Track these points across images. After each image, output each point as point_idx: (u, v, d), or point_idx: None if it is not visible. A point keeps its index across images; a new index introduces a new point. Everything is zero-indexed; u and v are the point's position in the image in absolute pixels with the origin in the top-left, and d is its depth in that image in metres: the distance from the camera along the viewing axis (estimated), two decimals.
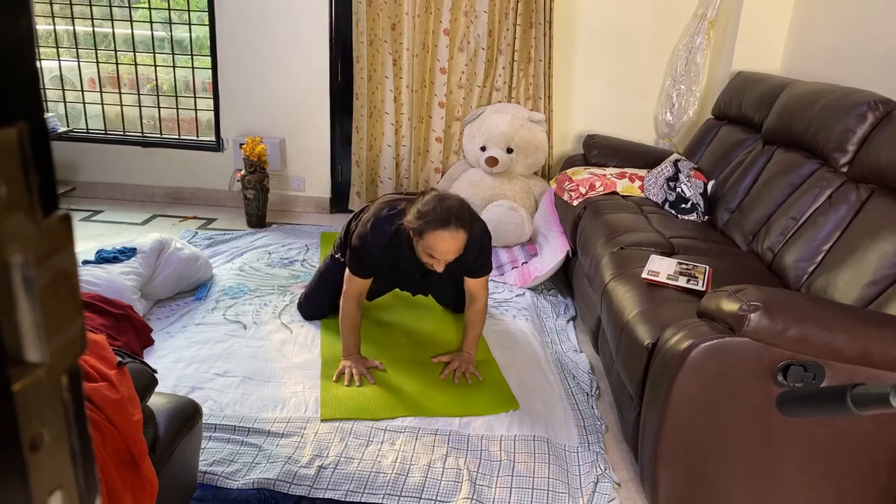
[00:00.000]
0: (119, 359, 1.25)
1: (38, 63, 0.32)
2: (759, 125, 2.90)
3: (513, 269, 3.25)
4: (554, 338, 2.70)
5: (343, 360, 2.29)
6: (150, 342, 2.42)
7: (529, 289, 3.11)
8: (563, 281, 3.23)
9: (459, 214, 1.99)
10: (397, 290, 2.81)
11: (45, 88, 4.19)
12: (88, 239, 3.46)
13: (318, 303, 2.64)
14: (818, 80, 2.81)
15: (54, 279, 0.31)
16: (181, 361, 2.31)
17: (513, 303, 2.95)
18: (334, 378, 2.25)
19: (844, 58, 2.87)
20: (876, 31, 2.66)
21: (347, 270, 2.21)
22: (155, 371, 1.43)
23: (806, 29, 3.27)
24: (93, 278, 2.45)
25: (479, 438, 2.01)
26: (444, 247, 1.98)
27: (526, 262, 3.29)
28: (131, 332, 2.31)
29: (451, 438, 2.00)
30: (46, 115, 3.84)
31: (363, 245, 2.15)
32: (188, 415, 1.47)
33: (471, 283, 2.28)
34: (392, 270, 2.32)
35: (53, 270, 0.31)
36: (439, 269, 2.06)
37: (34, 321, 0.30)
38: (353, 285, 2.22)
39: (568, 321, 2.86)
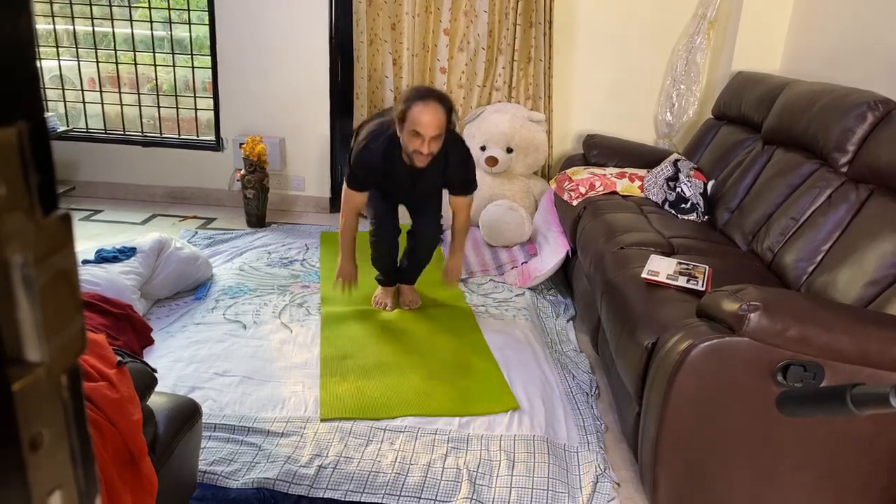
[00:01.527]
0: (119, 358, 1.25)
1: (38, 63, 0.32)
2: (759, 125, 2.90)
3: (513, 268, 3.25)
4: (554, 338, 2.70)
5: (340, 268, 2.65)
6: (150, 342, 2.42)
7: (529, 288, 3.11)
8: (563, 281, 3.23)
9: (438, 93, 2.29)
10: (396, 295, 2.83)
11: (44, 88, 4.19)
12: (88, 238, 3.46)
13: (386, 225, 2.70)
14: (818, 79, 2.81)
15: (54, 279, 0.31)
16: (181, 361, 2.31)
17: (513, 302, 2.95)
18: (331, 286, 2.72)
19: (844, 58, 2.87)
20: (875, 31, 2.66)
21: (345, 186, 2.48)
22: (155, 370, 1.43)
23: (806, 29, 3.27)
24: (93, 278, 2.45)
25: (479, 438, 2.01)
26: (425, 118, 2.18)
27: (526, 262, 3.29)
28: (131, 331, 2.31)
29: (450, 438, 2.00)
30: (46, 114, 3.84)
31: (360, 157, 2.39)
32: (188, 414, 1.47)
33: (455, 202, 2.57)
34: (386, 178, 2.49)
35: (53, 270, 0.31)
36: (424, 151, 2.24)
37: (34, 321, 0.30)
38: (350, 200, 2.51)
39: (568, 321, 2.86)
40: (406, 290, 2.87)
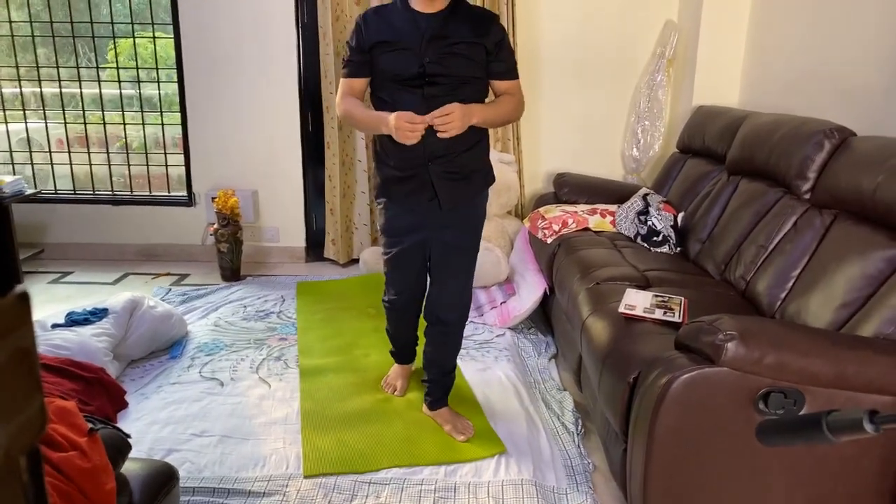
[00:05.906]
0: (90, 425, 1.22)
1: None
2: (723, 157, 2.97)
3: (492, 309, 3.25)
4: (537, 377, 2.69)
5: (396, 123, 1.89)
6: (124, 405, 2.35)
7: (509, 328, 3.10)
8: (543, 319, 3.23)
9: None
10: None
11: (11, 151, 4.16)
12: (59, 301, 3.39)
13: (403, 280, 2.24)
14: (774, 110, 2.91)
15: (11, 358, 0.30)
16: (157, 423, 2.25)
17: (493, 344, 2.94)
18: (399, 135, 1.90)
19: (797, 88, 2.98)
20: (822, 61, 2.77)
21: (342, 79, 2.04)
22: (128, 435, 1.39)
23: (759, 63, 3.40)
24: (63, 342, 2.39)
25: (467, 486, 1.97)
26: None
27: (504, 302, 3.29)
28: (104, 395, 2.25)
29: (437, 488, 1.96)
30: (13, 178, 3.80)
31: (353, 33, 1.98)
32: (164, 479, 1.42)
33: (501, 86, 2.09)
34: (392, 48, 1.94)
35: (10, 349, 0.30)
36: None
37: None
38: (347, 88, 2.04)
39: (550, 359, 2.86)
40: (447, 416, 2.28)
